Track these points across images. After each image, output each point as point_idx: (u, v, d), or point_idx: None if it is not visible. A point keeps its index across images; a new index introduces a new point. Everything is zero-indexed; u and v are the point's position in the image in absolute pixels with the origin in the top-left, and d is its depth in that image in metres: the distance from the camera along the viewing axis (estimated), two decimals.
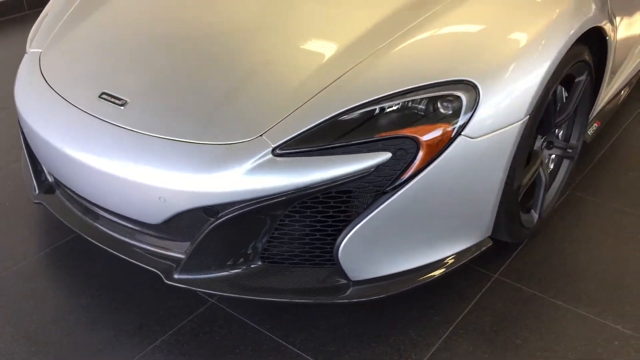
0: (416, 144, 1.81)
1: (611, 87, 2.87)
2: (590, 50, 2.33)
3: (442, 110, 1.84)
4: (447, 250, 2.03)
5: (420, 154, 1.81)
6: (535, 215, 2.40)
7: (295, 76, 1.97)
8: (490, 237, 2.13)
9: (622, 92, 3.10)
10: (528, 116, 1.93)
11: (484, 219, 2.03)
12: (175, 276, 1.96)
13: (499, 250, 2.36)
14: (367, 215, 1.83)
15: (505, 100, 1.88)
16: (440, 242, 2.00)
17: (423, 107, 1.84)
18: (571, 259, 2.35)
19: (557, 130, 2.47)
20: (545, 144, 2.33)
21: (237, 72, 2.04)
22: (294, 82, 1.95)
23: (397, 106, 1.83)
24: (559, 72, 2.05)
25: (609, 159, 2.96)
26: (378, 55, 1.95)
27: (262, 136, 1.82)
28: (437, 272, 2.02)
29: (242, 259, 1.94)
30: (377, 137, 1.79)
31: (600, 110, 2.84)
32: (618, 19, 2.53)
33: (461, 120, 1.83)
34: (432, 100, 1.84)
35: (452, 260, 2.04)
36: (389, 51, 1.94)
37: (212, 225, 1.85)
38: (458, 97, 1.84)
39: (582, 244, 2.42)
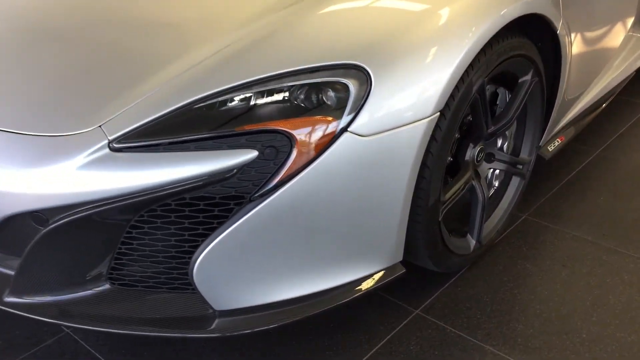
0: (289, 140, 1.49)
1: (579, 100, 2.54)
2: (539, 48, 2.03)
3: (325, 101, 1.53)
4: (343, 276, 1.69)
5: (295, 153, 1.48)
6: (471, 241, 2.05)
7: (147, 60, 1.68)
8: (412, 263, 1.81)
9: (597, 107, 2.77)
10: (438, 113, 1.61)
11: (388, 238, 1.68)
12: (5, 299, 1.65)
13: (425, 281, 2.02)
14: (228, 228, 1.51)
15: (406, 92, 1.54)
16: (333, 265, 1.66)
17: (301, 96, 1.52)
18: (512, 294, 1.99)
19: (499, 141, 2.15)
20: (481, 155, 2.00)
21: (79, 56, 1.77)
22: (145, 66, 1.65)
23: (267, 94, 1.51)
24: (487, 64, 1.72)
25: (579, 181, 2.60)
26: (248, 36, 1.64)
27: (101, 127, 1.51)
28: (330, 303, 1.67)
29: (85, 280, 1.62)
30: (238, 130, 1.48)
31: (567, 124, 2.51)
32: (578, 24, 2.22)
33: (348, 114, 1.52)
34: (313, 88, 1.53)
35: (351, 288, 1.70)
36: (263, 31, 1.64)
37: (39, 235, 1.54)
38: (345, 86, 1.52)
39: (528, 277, 2.05)
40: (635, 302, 1.95)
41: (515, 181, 2.21)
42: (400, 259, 1.76)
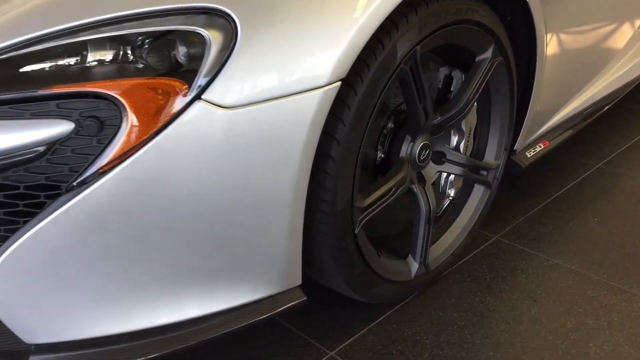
0: (119, 110, 1.10)
1: (569, 101, 2.12)
2: (506, 23, 1.63)
3: (175, 59, 1.15)
4: (213, 302, 1.26)
5: (126, 127, 1.09)
6: (413, 265, 1.64)
7: None
8: (329, 289, 1.39)
9: (594, 112, 2.34)
10: (339, 83, 1.21)
11: (275, 253, 1.27)
12: None
13: (352, 313, 1.59)
14: (31, 229, 1.14)
15: (288, 51, 1.13)
16: (195, 287, 1.27)
17: (141, 50, 1.14)
18: (461, 336, 1.52)
19: (453, 138, 1.74)
20: (425, 153, 1.60)
21: None
22: None
23: (94, 46, 1.14)
24: (420, 27, 1.31)
25: (569, 199, 2.15)
26: None
27: None
28: (195, 338, 1.27)
29: None
30: (44, 92, 1.11)
31: (554, 128, 2.10)
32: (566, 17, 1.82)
33: (204, 76, 1.13)
34: (159, 40, 1.14)
35: (225, 320, 1.29)
36: None
37: None
38: (202, 38, 1.16)
39: (487, 314, 1.60)
40: (624, 354, 1.50)
41: (478, 191, 1.78)
42: (299, 282, 1.36)
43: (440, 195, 1.74)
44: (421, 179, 1.61)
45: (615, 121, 2.77)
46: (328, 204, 1.29)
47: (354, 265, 1.42)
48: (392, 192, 1.47)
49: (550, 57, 1.78)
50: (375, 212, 1.42)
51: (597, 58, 2.20)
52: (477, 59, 1.58)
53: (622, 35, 2.34)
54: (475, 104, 1.66)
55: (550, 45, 1.75)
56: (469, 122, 1.70)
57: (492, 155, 1.76)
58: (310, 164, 1.21)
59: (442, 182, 1.73)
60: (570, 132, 2.12)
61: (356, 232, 1.38)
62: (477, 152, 1.77)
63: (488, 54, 1.57)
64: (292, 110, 1.16)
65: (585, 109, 2.21)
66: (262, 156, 1.16)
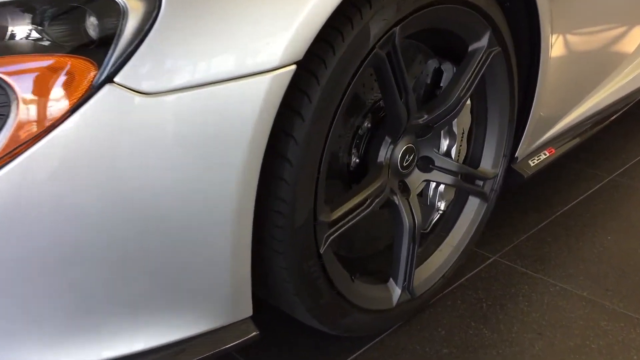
0: (7, 94, 0.89)
1: (577, 105, 1.89)
2: (505, 9, 1.39)
3: (84, 32, 0.94)
4: (138, 340, 1.07)
5: (15, 117, 0.89)
6: (395, 291, 1.40)
7: None
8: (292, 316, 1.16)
9: (606, 118, 2.12)
10: (294, 67, 0.96)
11: (215, 278, 1.01)
12: None
13: (320, 346, 1.37)
14: None
15: (227, 25, 0.91)
16: (114, 321, 1.05)
17: (40, 21, 0.94)
18: None
19: (444, 141, 1.48)
20: (409, 157, 1.37)
21: None
22: None
23: None
24: (399, 5, 1.09)
25: (578, 215, 1.91)
26: None
27: None
28: None
29: None
30: None
31: (561, 134, 1.88)
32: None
33: (119, 56, 0.90)
34: (62, 10, 0.95)
35: None
36: None
37: None
38: (116, 7, 0.94)
39: (482, 350, 1.35)
40: None
41: (472, 204, 1.54)
42: (249, 313, 1.13)
43: (428, 208, 1.50)
44: (404, 189, 1.38)
45: (627, 129, 2.53)
46: (284, 217, 1.06)
47: (319, 292, 1.18)
48: (367, 203, 1.23)
49: (556, 55, 1.56)
50: (346, 227, 1.19)
51: (606, 61, 1.97)
52: (470, 48, 1.35)
53: (633, 39, 2.12)
54: (469, 101, 1.44)
55: (555, 43, 1.54)
56: (462, 123, 1.46)
57: (489, 162, 1.52)
58: (258, 166, 0.98)
59: (431, 193, 1.49)
60: (578, 140, 1.88)
61: (321, 251, 1.15)
62: (472, 158, 1.53)
63: (483, 42, 1.34)
64: (234, 99, 0.93)
65: (593, 115, 1.98)
66: (193, 155, 0.93)
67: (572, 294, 1.56)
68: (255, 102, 0.94)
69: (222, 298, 1.04)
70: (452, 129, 1.45)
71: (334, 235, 1.17)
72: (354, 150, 1.30)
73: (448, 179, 1.44)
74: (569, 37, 1.63)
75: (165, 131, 0.90)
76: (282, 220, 1.07)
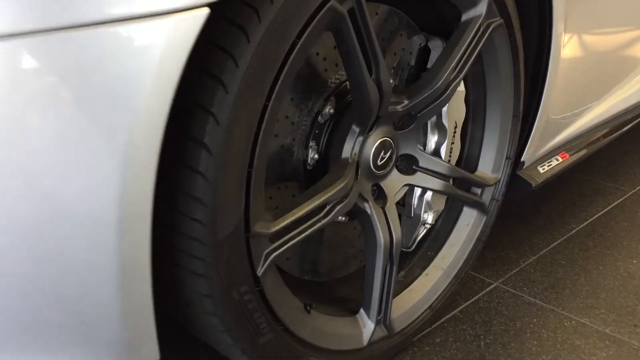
0: None
1: (592, 105, 1.62)
2: None
3: None
4: None
5: None
6: (367, 325, 1.09)
7: None
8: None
9: (625, 124, 1.83)
10: (206, 10, 0.68)
11: (98, 312, 0.73)
12: None
13: None
14: None
15: None
16: None
17: None
18: None
19: (431, 138, 1.19)
20: (384, 154, 1.05)
21: None
22: None
23: None
24: None
25: (597, 234, 1.62)
26: None
27: None
28: None
29: None
30: None
31: (574, 137, 1.59)
32: None
33: None
34: None
35: None
36: None
37: None
38: None
39: None
40: None
41: (468, 217, 1.25)
42: (156, 357, 0.86)
43: (412, 221, 1.22)
44: (380, 195, 1.11)
45: None
46: (202, 225, 0.79)
47: (258, 329, 0.89)
48: (325, 211, 0.94)
49: (568, 54, 1.31)
50: (294, 242, 0.92)
51: (622, 64, 1.69)
52: (464, 16, 1.08)
53: None
54: (463, 87, 1.16)
55: (568, 41, 1.28)
56: (454, 114, 1.18)
57: (488, 165, 1.25)
58: (155, 153, 0.71)
59: (415, 201, 1.21)
60: (592, 147, 1.62)
61: (259, 273, 0.88)
62: (468, 159, 1.26)
63: (479, 9, 1.06)
64: (114, 52, 0.67)
65: (608, 120, 1.70)
66: (47, 134, 0.67)
67: (591, 331, 1.28)
68: (147, 58, 0.67)
69: (112, 339, 0.77)
70: (441, 121, 1.17)
71: (278, 252, 0.89)
72: (312, 143, 1.02)
73: (436, 184, 1.15)
74: (584, 36, 1.37)
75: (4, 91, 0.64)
76: (200, 230, 0.79)
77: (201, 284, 0.83)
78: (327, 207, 0.95)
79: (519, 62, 1.19)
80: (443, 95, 1.07)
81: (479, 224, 1.26)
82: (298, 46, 0.81)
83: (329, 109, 1.01)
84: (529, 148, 1.39)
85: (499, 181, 1.27)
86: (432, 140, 1.19)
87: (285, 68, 0.80)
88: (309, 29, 0.81)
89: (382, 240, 1.06)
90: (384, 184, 1.10)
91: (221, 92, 0.76)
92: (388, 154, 1.07)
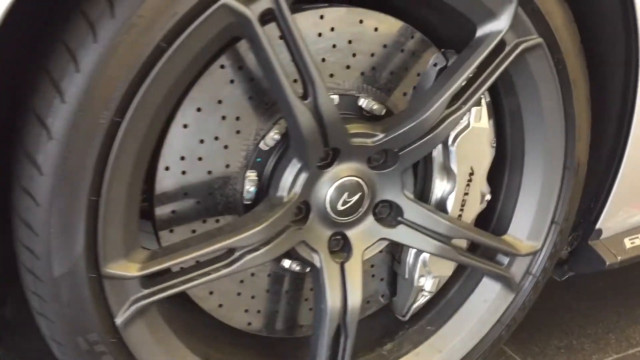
0: None
1: None
2: None
3: None
4: None
5: None
6: None
7: None
8: None
9: None
10: None
11: None
12: None
13: None
14: None
15: None
16: None
17: None
18: None
19: (437, 183, 0.90)
20: (348, 197, 0.82)
21: None
22: None
23: None
24: None
25: None
26: None
27: None
28: None
29: None
30: None
31: None
32: None
33: None
34: None
35: None
36: None
37: None
38: None
39: None
40: None
41: (488, 291, 0.96)
42: None
43: (407, 283, 0.96)
44: (345, 248, 0.91)
45: None
46: (38, 259, 0.68)
47: None
48: (232, 259, 0.79)
49: None
50: (181, 290, 0.73)
51: None
52: (479, 32, 0.81)
53: None
54: (487, 125, 0.89)
55: None
56: (469, 158, 0.89)
57: (523, 229, 0.95)
58: None
59: (410, 260, 0.95)
60: None
61: (118, 323, 0.74)
62: (496, 218, 0.98)
63: (500, 24, 0.79)
64: None
65: None
66: None
67: None
68: None
69: None
70: (448, 164, 0.92)
71: (153, 299, 0.74)
72: (250, 173, 0.84)
73: (425, 244, 0.89)
74: None
75: None
76: (35, 263, 0.69)
77: (46, 325, 0.72)
78: (237, 254, 0.78)
79: (573, 97, 0.88)
80: (434, 130, 0.82)
81: (502, 303, 0.97)
82: (169, 53, 0.65)
83: (274, 134, 0.83)
84: (610, 212, 1.06)
85: (539, 252, 0.98)
86: (438, 188, 0.94)
87: (149, 79, 0.65)
88: (188, 32, 0.66)
89: (330, 304, 0.84)
90: (351, 234, 0.89)
91: (58, 100, 0.64)
92: (356, 197, 0.85)
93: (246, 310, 0.93)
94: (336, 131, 0.79)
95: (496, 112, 0.95)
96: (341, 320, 0.87)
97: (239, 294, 0.92)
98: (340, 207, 0.86)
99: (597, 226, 1.08)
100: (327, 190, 0.84)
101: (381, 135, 0.83)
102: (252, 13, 0.67)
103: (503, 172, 0.98)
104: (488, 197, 0.99)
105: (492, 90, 0.93)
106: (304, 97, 0.75)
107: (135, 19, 0.63)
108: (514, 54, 0.83)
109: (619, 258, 1.08)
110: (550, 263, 1.01)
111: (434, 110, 0.81)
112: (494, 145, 0.95)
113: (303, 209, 0.85)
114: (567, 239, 1.12)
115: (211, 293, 0.90)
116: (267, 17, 0.70)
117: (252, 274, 0.92)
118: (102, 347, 0.73)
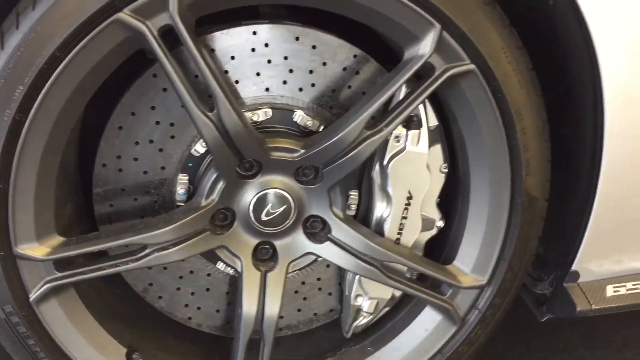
0: None
1: None
2: None
3: None
4: None
5: None
6: None
7: None
8: None
9: None
10: None
11: None
12: None
13: None
14: None
15: None
16: None
17: None
18: None
19: (377, 201, 0.90)
20: (273, 209, 0.84)
21: None
22: None
23: None
24: None
25: None
26: None
27: None
28: None
29: None
30: None
31: None
32: None
33: None
34: None
35: None
36: None
37: None
38: None
39: None
40: None
41: (428, 320, 0.92)
42: None
43: (347, 301, 0.96)
44: (273, 257, 0.92)
45: None
46: None
47: (36, 358, 0.84)
48: (141, 255, 0.82)
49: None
50: (91, 277, 0.80)
51: None
52: (405, 55, 0.80)
53: None
54: (425, 150, 0.87)
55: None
56: (406, 181, 0.88)
57: (468, 261, 0.90)
58: None
59: (349, 277, 0.95)
60: None
61: (31, 299, 0.80)
62: (445, 245, 0.94)
63: (422, 48, 0.78)
64: None
65: None
66: None
67: None
68: None
69: None
70: (386, 187, 0.90)
71: (66, 281, 0.81)
72: (182, 177, 0.88)
73: (349, 263, 0.88)
74: None
75: None
76: None
77: None
78: (147, 251, 0.83)
79: (516, 129, 0.83)
80: (354, 149, 0.82)
81: (443, 335, 0.94)
82: (65, 62, 0.72)
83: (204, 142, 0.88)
84: (586, 255, 0.97)
85: (485, 287, 0.92)
86: (378, 209, 0.91)
87: (48, 84, 0.72)
88: (82, 44, 0.72)
89: (245, 309, 0.87)
90: (279, 245, 0.90)
91: None
92: (281, 209, 0.87)
93: (186, 305, 1.00)
94: (249, 144, 0.82)
95: (448, 138, 0.93)
96: (258, 327, 0.90)
97: (178, 289, 0.99)
98: (264, 218, 0.88)
99: (573, 268, 1.00)
100: (250, 200, 0.87)
101: (302, 151, 0.85)
102: (147, 29, 0.73)
103: (456, 200, 0.95)
104: (440, 223, 0.96)
105: (442, 115, 0.92)
106: (211, 109, 0.80)
107: (34, 31, 0.71)
108: (440, 80, 0.80)
109: (594, 306, 0.99)
110: (503, 300, 0.95)
111: (350, 129, 0.82)
112: (445, 170, 0.93)
113: (228, 216, 0.89)
114: (548, 279, 1.07)
115: (151, 285, 0.98)
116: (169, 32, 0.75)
117: (191, 272, 0.98)
118: (17, 319, 0.82)
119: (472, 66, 0.80)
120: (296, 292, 1.01)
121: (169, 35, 0.76)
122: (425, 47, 0.79)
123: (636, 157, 0.90)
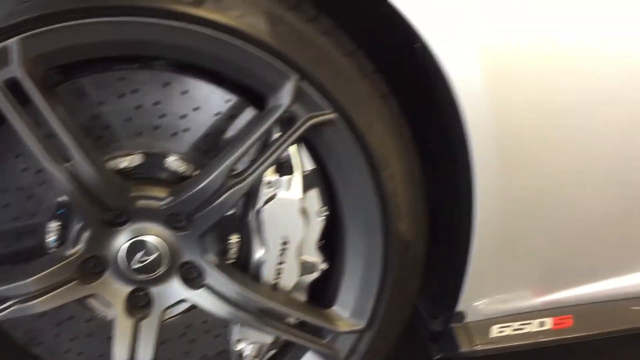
0: None
1: None
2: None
3: None
4: None
5: None
6: None
7: None
8: None
9: None
10: None
11: None
12: None
13: None
14: None
15: None
16: None
17: None
18: None
19: (255, 245, 0.90)
20: (144, 257, 0.83)
21: None
22: None
23: None
24: None
25: None
26: None
27: None
28: None
29: None
30: None
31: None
32: None
33: None
34: None
35: None
36: None
37: None
38: None
39: None
40: None
41: None
42: None
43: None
44: (148, 303, 0.90)
45: None
46: None
47: None
48: (6, 307, 0.80)
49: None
50: None
51: None
52: (270, 103, 0.81)
53: None
54: (296, 197, 0.86)
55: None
56: (280, 228, 0.87)
57: (347, 305, 0.91)
58: None
59: (240, 337, 0.93)
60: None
61: None
62: (331, 289, 0.94)
63: (281, 99, 0.79)
64: None
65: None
66: None
67: None
68: None
69: None
70: (262, 233, 0.90)
71: None
72: (53, 224, 0.87)
73: (221, 309, 0.87)
74: None
75: None
76: None
77: None
78: (7, 303, 0.82)
79: (383, 176, 0.83)
80: (219, 197, 0.82)
81: None
82: None
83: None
84: (468, 296, 0.98)
85: (364, 330, 0.92)
86: (256, 254, 0.90)
87: None
88: None
89: (117, 358, 0.87)
90: (155, 291, 0.89)
91: None
92: (153, 256, 0.86)
93: (66, 352, 0.99)
94: (110, 194, 0.82)
95: (327, 182, 0.93)
96: None
97: (57, 335, 0.97)
98: (136, 265, 0.87)
99: (458, 309, 1.00)
100: (119, 247, 0.86)
101: (169, 199, 0.84)
102: None
103: (338, 243, 0.96)
104: (323, 265, 0.96)
105: (320, 159, 0.92)
106: (67, 160, 0.79)
107: None
108: (303, 128, 0.81)
109: (479, 347, 1.00)
110: (384, 344, 0.95)
111: (212, 178, 0.82)
112: (323, 214, 0.93)
113: (99, 264, 0.88)
114: (442, 317, 1.07)
115: (29, 331, 0.96)
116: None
117: (70, 318, 0.97)
118: None
119: (333, 115, 0.81)
120: (182, 334, 1.01)
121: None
122: (284, 96, 0.79)
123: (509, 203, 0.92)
